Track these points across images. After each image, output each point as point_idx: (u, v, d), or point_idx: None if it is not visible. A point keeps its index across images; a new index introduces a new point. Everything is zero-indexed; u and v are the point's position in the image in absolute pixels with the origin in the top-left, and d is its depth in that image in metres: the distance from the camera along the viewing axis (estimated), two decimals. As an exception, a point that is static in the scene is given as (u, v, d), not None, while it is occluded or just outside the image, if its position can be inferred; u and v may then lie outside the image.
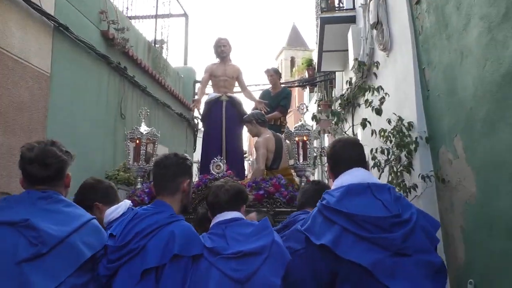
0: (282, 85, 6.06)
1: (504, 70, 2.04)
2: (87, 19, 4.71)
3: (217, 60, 5.38)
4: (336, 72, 7.74)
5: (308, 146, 3.92)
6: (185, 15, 9.34)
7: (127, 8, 6.44)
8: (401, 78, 3.35)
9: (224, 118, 5.09)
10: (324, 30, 5.31)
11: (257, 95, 6.29)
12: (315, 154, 4.21)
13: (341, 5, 5.65)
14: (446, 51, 2.65)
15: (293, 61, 40.14)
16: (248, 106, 6.10)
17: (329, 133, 7.79)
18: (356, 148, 1.83)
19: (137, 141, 4.01)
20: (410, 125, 3.13)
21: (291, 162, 4.04)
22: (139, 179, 4.01)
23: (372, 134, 3.21)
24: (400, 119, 3.23)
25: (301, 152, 3.91)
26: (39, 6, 3.74)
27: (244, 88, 5.57)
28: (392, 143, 3.13)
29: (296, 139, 3.90)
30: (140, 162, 3.97)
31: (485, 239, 2.29)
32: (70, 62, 4.34)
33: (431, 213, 2.90)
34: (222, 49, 5.26)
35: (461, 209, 2.57)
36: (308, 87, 10.98)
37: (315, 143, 4.22)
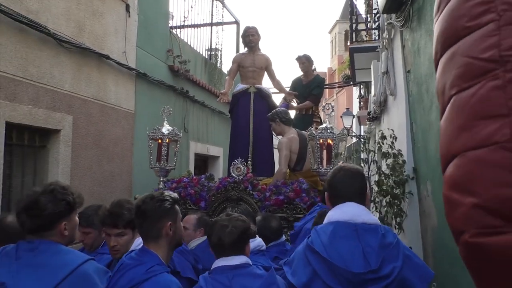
0: (315, 73, 5.93)
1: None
2: (158, 59, 5.95)
3: (245, 50, 5.18)
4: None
5: (332, 150, 3.73)
6: (236, 22, 10.33)
7: (184, 18, 7.60)
8: (401, 122, 4.25)
9: (252, 111, 4.89)
10: (353, 56, 6.15)
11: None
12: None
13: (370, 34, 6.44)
14: (422, 119, 3.54)
15: (347, 34, 39.40)
16: (277, 98, 5.75)
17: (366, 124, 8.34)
18: (356, 179, 1.79)
19: (159, 141, 4.09)
20: (404, 162, 4.04)
21: (314, 166, 3.84)
22: (161, 179, 4.07)
23: (377, 172, 4.09)
24: (400, 153, 4.13)
25: (324, 156, 3.75)
26: (126, 64, 5.02)
27: (273, 78, 5.29)
28: (391, 178, 4.02)
29: (320, 141, 3.73)
30: (162, 162, 4.01)
31: (442, 259, 3.26)
32: (147, 98, 5.63)
33: (416, 232, 3.89)
34: (250, 39, 5.02)
35: (430, 234, 3.54)
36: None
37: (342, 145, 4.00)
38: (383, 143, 4.09)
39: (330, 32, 44.26)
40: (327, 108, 3.96)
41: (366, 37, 6.70)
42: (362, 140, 5.11)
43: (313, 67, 5.94)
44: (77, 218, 1.79)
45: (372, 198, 4.09)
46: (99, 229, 2.33)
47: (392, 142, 3.99)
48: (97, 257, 2.10)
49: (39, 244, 1.62)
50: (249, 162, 4.75)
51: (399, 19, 3.88)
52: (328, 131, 3.76)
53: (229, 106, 5.42)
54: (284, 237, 2.98)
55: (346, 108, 14.46)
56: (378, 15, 5.50)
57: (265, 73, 5.23)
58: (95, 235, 2.41)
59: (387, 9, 3.91)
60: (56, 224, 1.65)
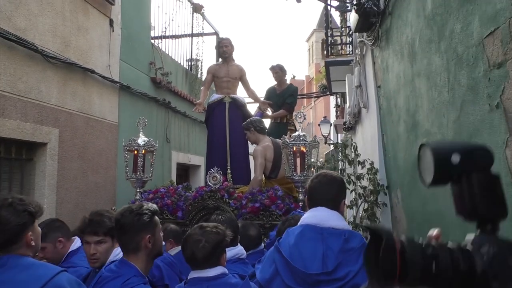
0: (288, 82, 6.11)
1: (413, 162, 3.22)
2: (140, 72, 6.10)
3: (220, 61, 5.32)
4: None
5: (306, 157, 3.81)
6: (215, 33, 10.55)
7: (164, 29, 7.76)
8: (373, 133, 4.53)
9: (227, 120, 5.01)
10: (329, 69, 6.45)
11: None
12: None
13: (344, 49, 6.78)
14: (391, 130, 3.82)
15: (324, 43, 40.16)
16: (252, 107, 5.93)
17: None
18: (332, 186, 1.87)
19: (135, 152, 4.11)
20: (376, 171, 4.32)
21: (289, 173, 3.94)
22: (138, 190, 4.12)
23: (350, 183, 4.33)
24: (372, 166, 4.40)
25: (298, 163, 3.83)
26: (110, 78, 5.15)
27: (248, 88, 5.43)
28: (367, 188, 4.28)
29: (293, 149, 3.80)
30: (138, 173, 4.08)
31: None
32: (131, 109, 5.76)
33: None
34: (224, 50, 5.15)
35: (400, 238, 3.81)
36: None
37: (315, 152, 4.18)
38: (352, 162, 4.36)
39: (308, 40, 44.88)
40: (299, 116, 4.05)
41: (341, 50, 7.02)
42: (339, 148, 5.33)
43: (286, 76, 6.10)
44: (39, 228, 1.78)
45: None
46: (54, 243, 2.38)
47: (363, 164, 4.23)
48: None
49: (7, 259, 1.60)
50: (228, 171, 4.83)
51: (369, 38, 4.16)
52: (301, 138, 3.85)
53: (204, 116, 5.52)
54: (263, 245, 2.99)
55: (324, 117, 14.85)
56: (351, 31, 5.81)
57: (240, 83, 5.36)
58: (51, 249, 2.42)
59: (359, 29, 4.19)
60: (22, 236, 1.64)
